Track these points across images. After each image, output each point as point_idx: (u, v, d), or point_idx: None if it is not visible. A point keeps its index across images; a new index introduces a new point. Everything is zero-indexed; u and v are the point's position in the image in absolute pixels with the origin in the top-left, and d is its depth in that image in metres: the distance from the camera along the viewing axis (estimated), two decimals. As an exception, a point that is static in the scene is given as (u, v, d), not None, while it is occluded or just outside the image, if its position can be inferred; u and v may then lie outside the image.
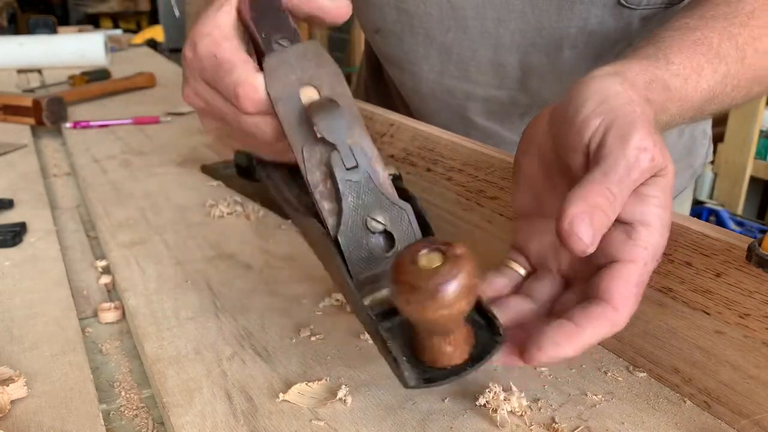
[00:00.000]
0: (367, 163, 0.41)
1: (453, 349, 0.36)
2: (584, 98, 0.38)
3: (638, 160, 0.36)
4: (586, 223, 0.35)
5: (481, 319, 0.38)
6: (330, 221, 0.40)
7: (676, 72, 0.44)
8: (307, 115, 0.41)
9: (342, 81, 0.43)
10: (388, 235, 0.41)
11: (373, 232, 0.40)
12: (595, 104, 0.38)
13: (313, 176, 0.41)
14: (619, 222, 0.37)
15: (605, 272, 0.37)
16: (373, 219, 0.40)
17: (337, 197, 0.40)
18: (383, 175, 0.41)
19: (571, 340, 0.36)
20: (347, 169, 0.40)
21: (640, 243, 0.37)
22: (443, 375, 0.36)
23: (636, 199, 0.37)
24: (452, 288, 0.32)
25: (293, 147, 0.42)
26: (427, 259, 0.33)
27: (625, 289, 0.37)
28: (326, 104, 0.41)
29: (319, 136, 0.40)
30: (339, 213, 0.40)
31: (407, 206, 0.41)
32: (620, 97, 0.38)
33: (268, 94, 0.43)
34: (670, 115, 0.45)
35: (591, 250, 0.35)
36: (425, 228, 0.41)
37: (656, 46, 0.46)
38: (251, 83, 0.42)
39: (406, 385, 0.36)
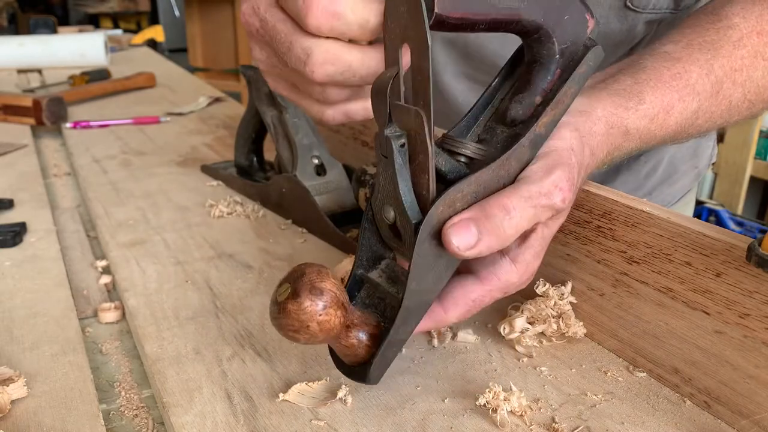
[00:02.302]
0: (392, 162, 0.39)
1: (349, 350, 0.40)
2: (547, 144, 0.42)
3: (551, 192, 0.40)
4: (465, 229, 0.38)
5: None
6: None
7: (644, 113, 0.47)
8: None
9: (426, 54, 0.36)
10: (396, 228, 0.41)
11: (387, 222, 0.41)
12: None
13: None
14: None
15: (458, 278, 0.42)
16: (385, 211, 0.40)
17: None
18: (421, 183, 0.40)
19: None
20: (382, 156, 0.39)
21: (497, 272, 0.42)
22: (353, 372, 0.41)
23: (520, 239, 0.42)
24: (292, 321, 0.37)
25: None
26: (280, 292, 0.38)
27: (461, 298, 0.42)
28: (381, 81, 0.38)
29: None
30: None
31: (412, 223, 0.39)
32: (564, 142, 0.42)
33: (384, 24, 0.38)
34: (626, 152, 0.49)
35: (462, 253, 0.38)
36: None
37: (634, 78, 0.49)
38: None
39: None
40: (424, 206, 0.38)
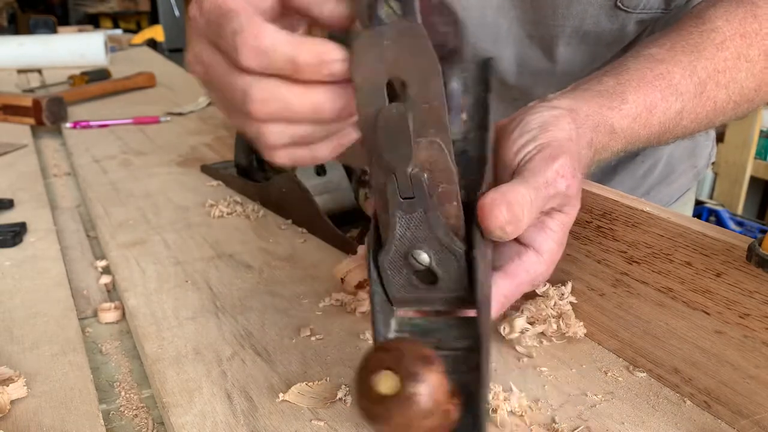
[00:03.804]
0: (425, 199, 0.36)
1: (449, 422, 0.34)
2: (531, 125, 0.43)
3: (555, 181, 0.40)
4: (503, 207, 0.37)
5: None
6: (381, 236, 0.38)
7: (627, 113, 0.48)
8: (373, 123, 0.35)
9: (438, 80, 0.34)
10: (431, 272, 0.38)
11: (416, 270, 0.38)
12: (538, 132, 0.42)
13: (374, 196, 0.38)
14: (516, 241, 0.42)
15: (498, 282, 0.41)
16: (417, 256, 0.37)
17: (390, 222, 0.37)
18: (447, 211, 0.37)
19: None
20: (402, 199, 0.36)
21: (524, 265, 0.41)
22: None
23: (537, 228, 0.42)
24: (406, 418, 0.31)
25: (366, 153, 0.37)
26: (384, 383, 0.32)
27: (501, 303, 0.41)
28: (393, 118, 0.34)
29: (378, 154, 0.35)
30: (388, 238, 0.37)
31: (460, 252, 0.37)
32: (563, 132, 0.42)
33: (351, 80, 0.36)
34: (612, 152, 0.49)
35: (510, 230, 0.37)
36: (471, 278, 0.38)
37: (617, 79, 0.49)
38: (252, 30, 0.35)
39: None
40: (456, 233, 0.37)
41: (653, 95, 0.49)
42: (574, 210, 0.43)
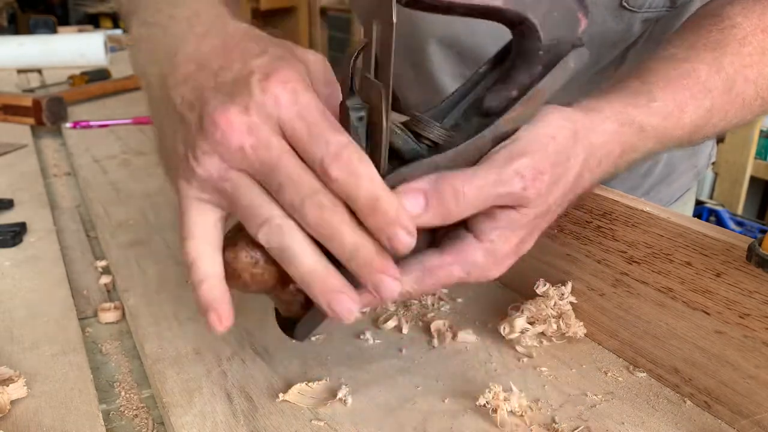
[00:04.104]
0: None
1: (284, 305, 0.40)
2: (527, 129, 0.40)
3: (511, 181, 0.38)
4: (414, 197, 0.37)
5: None
6: None
7: (656, 110, 0.46)
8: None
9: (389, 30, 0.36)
10: None
11: None
12: (525, 126, 0.40)
13: None
14: (464, 226, 0.40)
15: (426, 252, 0.40)
16: None
17: None
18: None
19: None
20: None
21: (458, 246, 0.40)
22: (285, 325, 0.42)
23: (486, 216, 0.39)
24: (226, 268, 0.38)
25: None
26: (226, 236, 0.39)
27: (414, 264, 0.40)
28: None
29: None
30: None
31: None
32: (545, 129, 0.40)
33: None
34: (643, 152, 0.46)
35: (405, 229, 0.36)
36: None
37: (642, 79, 0.47)
38: (360, 153, 0.35)
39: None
40: None
41: (682, 93, 0.47)
42: (533, 212, 0.40)
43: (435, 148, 0.40)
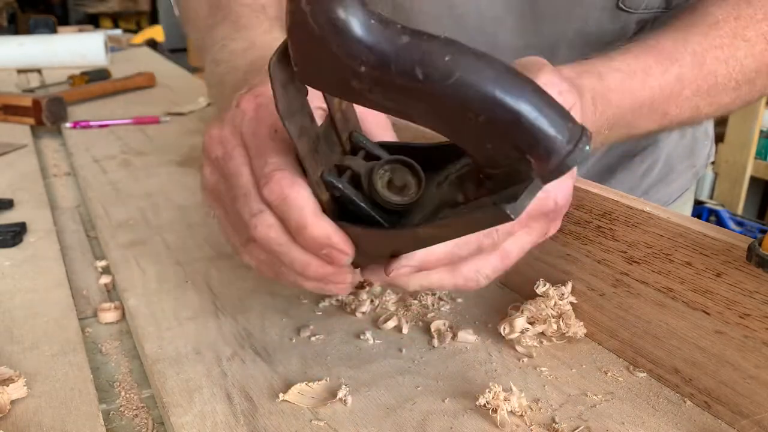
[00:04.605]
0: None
1: None
2: None
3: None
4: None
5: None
6: None
7: (616, 68, 0.47)
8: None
9: None
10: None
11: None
12: None
13: None
14: None
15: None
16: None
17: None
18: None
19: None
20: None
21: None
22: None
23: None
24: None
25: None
26: None
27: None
28: None
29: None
30: None
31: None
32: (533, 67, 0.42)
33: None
34: (618, 108, 0.47)
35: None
36: None
37: (600, 54, 0.49)
38: (293, 178, 0.37)
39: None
40: None
41: (644, 58, 0.48)
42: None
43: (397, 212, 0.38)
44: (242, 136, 0.39)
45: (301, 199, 0.36)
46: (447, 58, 0.29)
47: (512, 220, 0.31)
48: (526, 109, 0.29)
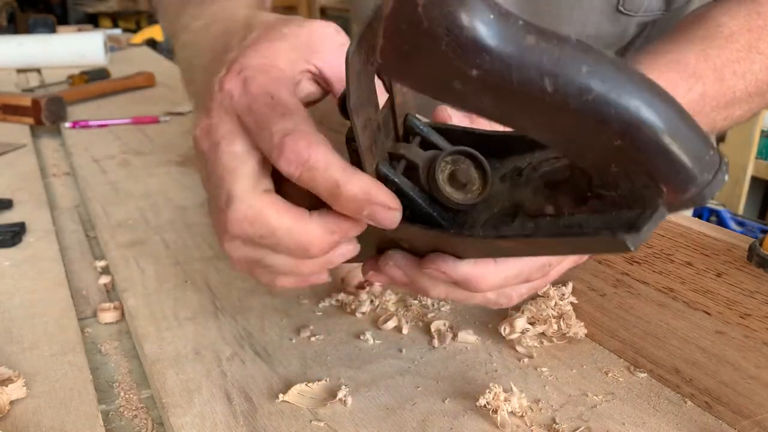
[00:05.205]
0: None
1: None
2: None
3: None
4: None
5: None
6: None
7: None
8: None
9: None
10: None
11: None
12: None
13: None
14: None
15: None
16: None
17: None
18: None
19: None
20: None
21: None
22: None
23: None
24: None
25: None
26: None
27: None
28: None
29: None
30: None
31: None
32: None
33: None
34: None
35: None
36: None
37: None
38: (306, 138, 0.32)
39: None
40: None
41: (670, 75, 0.47)
42: None
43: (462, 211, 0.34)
44: (239, 118, 0.35)
45: (324, 157, 0.32)
46: (584, 69, 0.24)
47: (630, 251, 0.27)
48: (672, 135, 0.25)
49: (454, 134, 0.36)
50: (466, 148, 0.34)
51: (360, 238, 0.37)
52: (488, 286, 0.36)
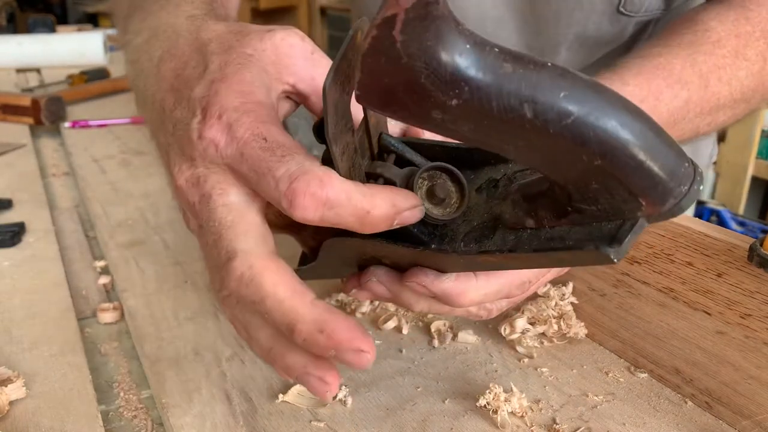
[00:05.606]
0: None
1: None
2: None
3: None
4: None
5: None
6: None
7: (630, 93, 0.46)
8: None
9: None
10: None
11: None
12: None
13: None
14: None
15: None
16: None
17: None
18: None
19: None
20: None
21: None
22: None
23: None
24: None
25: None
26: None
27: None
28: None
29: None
30: None
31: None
32: None
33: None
34: None
35: None
36: None
37: (612, 70, 0.48)
38: (317, 174, 0.30)
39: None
40: None
41: (656, 82, 0.47)
42: None
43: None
44: (229, 167, 0.33)
45: (341, 188, 0.30)
46: (562, 95, 0.25)
47: (614, 263, 0.28)
48: (649, 153, 0.26)
49: (428, 148, 0.37)
50: (442, 164, 0.34)
51: (341, 255, 0.37)
52: (469, 302, 0.36)
